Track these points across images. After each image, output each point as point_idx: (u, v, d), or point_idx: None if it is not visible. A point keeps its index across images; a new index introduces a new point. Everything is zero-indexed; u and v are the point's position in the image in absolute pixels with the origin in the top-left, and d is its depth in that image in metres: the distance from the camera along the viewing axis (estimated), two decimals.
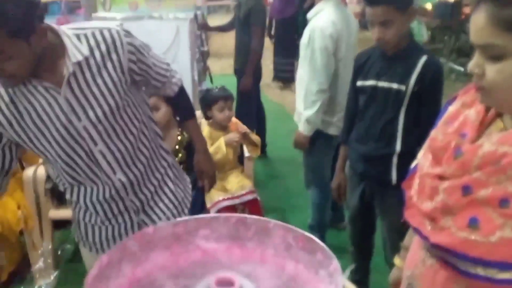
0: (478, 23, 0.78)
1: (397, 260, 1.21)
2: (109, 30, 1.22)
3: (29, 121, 1.21)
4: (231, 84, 3.89)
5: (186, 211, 1.53)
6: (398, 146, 1.73)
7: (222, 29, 4.21)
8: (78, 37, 1.19)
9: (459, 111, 0.93)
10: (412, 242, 1.04)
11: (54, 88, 1.18)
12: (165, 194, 1.45)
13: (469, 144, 0.85)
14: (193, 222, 1.01)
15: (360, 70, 1.81)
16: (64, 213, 2.46)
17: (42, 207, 2.46)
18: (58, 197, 2.42)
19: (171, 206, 1.46)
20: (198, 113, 2.80)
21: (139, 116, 1.33)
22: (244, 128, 2.71)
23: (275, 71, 6.26)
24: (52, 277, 2.48)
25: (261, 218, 1.03)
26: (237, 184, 2.60)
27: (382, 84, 1.72)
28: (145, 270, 0.92)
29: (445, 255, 0.86)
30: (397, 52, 1.70)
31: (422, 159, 0.97)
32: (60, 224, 2.69)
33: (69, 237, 2.83)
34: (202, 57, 3.77)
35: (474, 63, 0.82)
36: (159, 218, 1.43)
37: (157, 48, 1.98)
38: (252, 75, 3.66)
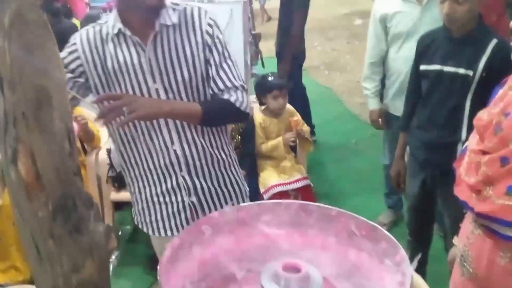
0: None
1: (455, 240, 1.27)
2: (199, 7, 1.36)
3: (111, 67, 1.30)
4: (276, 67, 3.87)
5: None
6: (463, 134, 1.65)
7: None
8: (173, 8, 1.32)
9: (506, 93, 1.01)
10: (465, 217, 1.13)
11: (141, 45, 1.28)
12: (220, 184, 1.44)
13: (508, 120, 0.93)
14: (255, 207, 1.03)
15: (424, 54, 1.72)
16: (124, 195, 2.57)
17: (104, 189, 2.59)
18: (119, 183, 2.53)
19: (222, 199, 1.46)
20: (252, 97, 2.83)
21: (208, 98, 1.36)
22: (299, 122, 2.71)
23: None
24: (113, 257, 2.61)
25: (323, 205, 1.02)
26: (290, 170, 2.61)
27: (448, 68, 1.64)
28: (212, 253, 0.95)
29: (488, 223, 0.95)
30: (465, 35, 1.60)
31: (471, 139, 1.07)
32: (118, 206, 2.82)
33: (127, 219, 2.95)
34: (254, 40, 3.76)
35: None
36: (213, 205, 1.44)
37: None
38: (290, 60, 3.62)
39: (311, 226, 1.02)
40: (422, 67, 1.73)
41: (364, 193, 3.24)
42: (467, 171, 1.01)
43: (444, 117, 1.68)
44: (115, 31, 1.28)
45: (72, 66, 1.32)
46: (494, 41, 1.56)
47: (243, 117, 1.39)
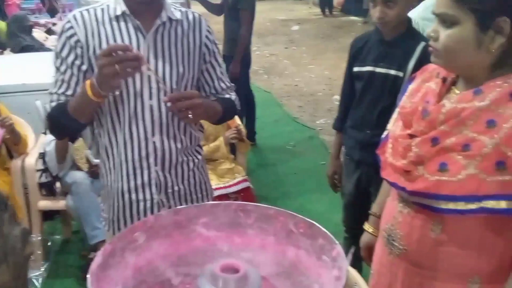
0: None
1: (366, 226, 1.41)
2: (198, 14, 1.41)
3: None
4: None
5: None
6: None
7: (210, 9, 4.00)
8: (174, 7, 1.35)
9: (420, 86, 1.11)
10: (387, 200, 1.19)
11: (142, 30, 1.29)
12: (190, 184, 1.44)
13: (433, 105, 1.02)
14: (193, 209, 1.01)
15: (357, 56, 1.79)
16: (54, 204, 2.43)
17: (31, 197, 2.43)
18: (48, 189, 2.39)
19: (189, 199, 1.45)
20: None
21: None
22: (235, 119, 2.71)
23: None
24: (42, 269, 2.45)
25: (261, 205, 1.02)
26: (229, 172, 2.60)
27: (380, 70, 1.71)
28: (146, 258, 0.91)
29: (421, 200, 1.02)
30: (396, 37, 1.69)
31: (393, 127, 1.15)
32: (48, 216, 2.66)
33: (58, 228, 2.80)
34: None
35: (432, 29, 1.01)
36: (180, 206, 1.40)
37: None
38: (240, 62, 3.60)
39: (250, 226, 1.01)
40: (355, 69, 1.79)
41: (304, 194, 3.31)
42: (393, 156, 1.07)
43: (376, 116, 1.74)
44: (118, 12, 1.28)
45: (77, 51, 1.28)
46: (422, 44, 1.65)
47: (235, 115, 1.55)
